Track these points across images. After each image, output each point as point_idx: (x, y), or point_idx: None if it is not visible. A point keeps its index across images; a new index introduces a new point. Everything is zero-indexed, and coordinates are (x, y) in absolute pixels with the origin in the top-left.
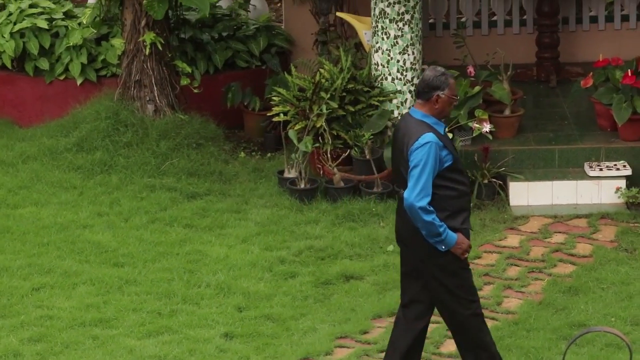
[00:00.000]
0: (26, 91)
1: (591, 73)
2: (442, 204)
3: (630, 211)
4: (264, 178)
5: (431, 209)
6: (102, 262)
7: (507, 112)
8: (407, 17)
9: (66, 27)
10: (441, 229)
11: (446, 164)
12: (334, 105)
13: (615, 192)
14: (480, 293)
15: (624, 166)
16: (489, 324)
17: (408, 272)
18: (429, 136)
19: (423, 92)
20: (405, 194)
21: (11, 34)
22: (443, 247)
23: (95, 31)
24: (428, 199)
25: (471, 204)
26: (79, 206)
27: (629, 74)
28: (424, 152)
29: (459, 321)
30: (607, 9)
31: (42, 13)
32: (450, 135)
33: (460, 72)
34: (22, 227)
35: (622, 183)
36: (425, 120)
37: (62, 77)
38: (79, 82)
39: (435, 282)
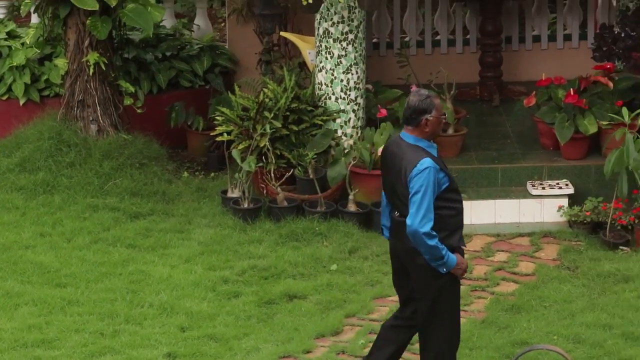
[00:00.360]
0: None
1: (534, 92)
2: (441, 224)
3: (573, 229)
4: (207, 198)
5: (434, 233)
6: (44, 283)
7: (450, 131)
8: (350, 36)
9: (9, 47)
10: (443, 252)
11: (444, 186)
12: (278, 124)
13: (558, 211)
14: None
15: (567, 185)
16: None
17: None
18: (427, 161)
19: (411, 118)
20: (408, 220)
21: None
22: (444, 270)
23: (39, 51)
24: (431, 223)
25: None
26: (21, 227)
27: (572, 93)
28: (424, 177)
29: (434, 343)
30: (550, 28)
31: None
32: None
33: (404, 92)
34: None
35: (565, 202)
36: (419, 144)
37: (4, 97)
38: (22, 102)
39: (431, 303)
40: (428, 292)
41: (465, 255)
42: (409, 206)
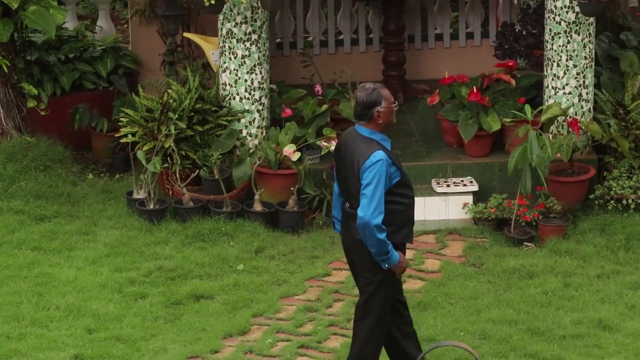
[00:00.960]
0: None
1: (437, 90)
2: (390, 218)
3: (478, 226)
4: (112, 199)
5: (384, 227)
6: None
7: None
8: (254, 36)
9: None
10: (389, 247)
11: (395, 180)
12: (182, 125)
13: (463, 208)
14: (330, 310)
15: (471, 182)
16: (340, 340)
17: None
18: (379, 154)
19: (362, 114)
20: (360, 212)
21: None
22: (386, 266)
23: None
24: (382, 216)
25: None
26: None
27: (475, 90)
28: (376, 170)
29: (363, 334)
30: (452, 27)
31: None
32: (298, 154)
33: (308, 91)
34: None
35: (469, 199)
36: (373, 137)
37: None
38: None
39: (368, 296)
40: (368, 286)
41: None
42: (360, 198)
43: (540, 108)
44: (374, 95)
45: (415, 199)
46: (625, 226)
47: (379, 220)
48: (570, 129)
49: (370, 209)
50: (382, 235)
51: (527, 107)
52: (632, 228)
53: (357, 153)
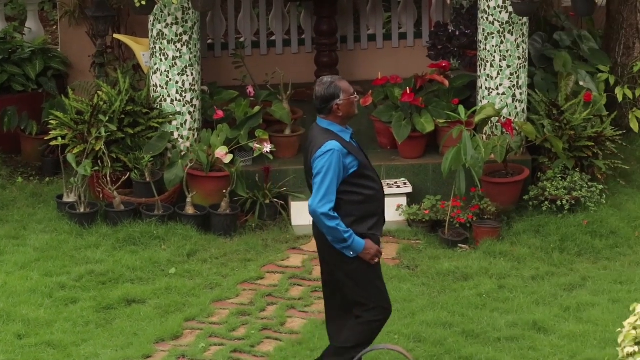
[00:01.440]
0: None
1: (370, 91)
2: (347, 210)
3: (412, 228)
4: (42, 203)
5: (334, 214)
6: None
7: (287, 131)
8: (185, 38)
9: None
10: (346, 235)
11: (351, 170)
12: (113, 128)
13: (397, 210)
14: (263, 314)
15: (405, 184)
16: (273, 344)
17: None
18: (331, 144)
19: (322, 107)
20: (309, 201)
21: None
22: (351, 253)
23: None
24: (331, 205)
25: (384, 209)
26: None
27: (408, 91)
28: (326, 159)
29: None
30: (385, 27)
31: None
32: (231, 157)
33: (240, 93)
34: None
35: (403, 200)
36: (331, 128)
37: None
38: None
39: (344, 287)
40: (340, 277)
41: (304, 257)
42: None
43: (474, 109)
44: (332, 88)
45: None
46: (560, 227)
47: (325, 208)
48: (504, 130)
49: (317, 197)
50: (333, 223)
51: (461, 108)
52: (566, 229)
53: (312, 144)
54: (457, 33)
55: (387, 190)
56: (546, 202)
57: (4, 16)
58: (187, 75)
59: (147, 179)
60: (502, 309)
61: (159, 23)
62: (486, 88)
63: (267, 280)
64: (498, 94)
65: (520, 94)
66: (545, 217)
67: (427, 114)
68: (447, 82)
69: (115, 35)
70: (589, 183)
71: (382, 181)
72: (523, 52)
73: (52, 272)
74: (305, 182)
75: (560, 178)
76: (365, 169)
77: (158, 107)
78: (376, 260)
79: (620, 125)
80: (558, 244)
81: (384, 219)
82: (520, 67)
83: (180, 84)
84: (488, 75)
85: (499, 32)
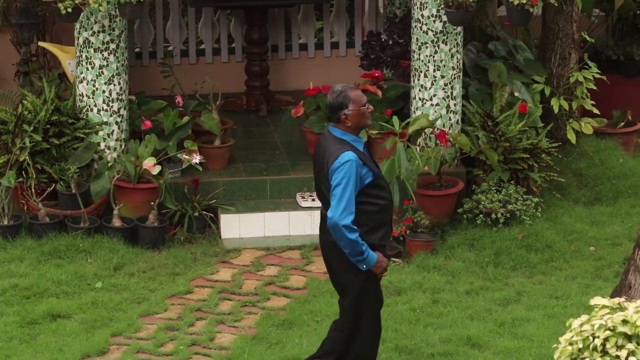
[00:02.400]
0: None
1: (302, 102)
2: (362, 220)
3: None
4: None
5: (355, 227)
6: None
7: (217, 142)
8: (112, 46)
9: None
10: (364, 248)
11: (367, 181)
12: (38, 138)
13: None
14: (192, 329)
15: None
16: None
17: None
18: (348, 154)
19: (332, 116)
20: (329, 213)
21: None
22: (364, 267)
23: None
24: (352, 217)
25: (392, 219)
26: None
27: None
28: (345, 170)
29: (355, 343)
30: (317, 36)
31: None
32: (159, 168)
33: (169, 102)
34: None
35: None
36: (345, 138)
37: None
38: None
39: (354, 302)
40: (350, 287)
41: (234, 270)
42: (330, 199)
43: (408, 120)
44: (340, 98)
45: (279, 214)
46: (495, 241)
47: (347, 220)
48: (438, 141)
49: (339, 209)
50: (353, 236)
51: (395, 119)
52: (501, 243)
53: (327, 153)
54: (391, 42)
55: (318, 203)
56: (481, 215)
57: None
58: (114, 85)
59: (73, 191)
60: (435, 324)
61: (85, 31)
62: (420, 99)
63: (196, 294)
64: (432, 104)
65: (455, 104)
66: (479, 230)
67: None
68: (380, 93)
69: (40, 43)
70: (524, 196)
71: (313, 193)
72: (457, 62)
73: None
74: (318, 189)
75: (495, 191)
76: (379, 179)
77: (84, 117)
78: (385, 274)
79: (555, 137)
80: (493, 258)
81: (392, 228)
82: (454, 78)
83: (107, 94)
84: (422, 86)
85: (432, 41)
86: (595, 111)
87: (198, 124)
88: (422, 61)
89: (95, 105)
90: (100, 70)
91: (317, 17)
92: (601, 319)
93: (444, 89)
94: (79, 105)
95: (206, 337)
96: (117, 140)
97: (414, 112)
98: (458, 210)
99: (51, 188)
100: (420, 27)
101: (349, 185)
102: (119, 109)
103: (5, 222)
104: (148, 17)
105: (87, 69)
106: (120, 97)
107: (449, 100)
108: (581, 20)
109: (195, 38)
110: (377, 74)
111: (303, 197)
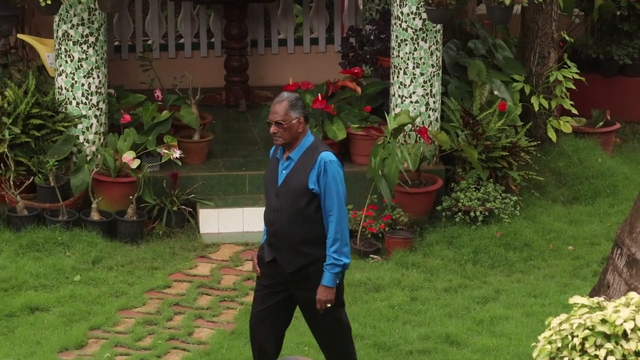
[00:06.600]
0: None
1: None
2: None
3: None
4: None
5: None
6: None
7: (196, 137)
8: (91, 39)
9: None
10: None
11: None
12: (17, 130)
13: None
14: (170, 323)
15: None
16: (180, 354)
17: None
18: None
19: None
20: None
21: None
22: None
23: None
24: None
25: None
26: None
27: (320, 98)
28: None
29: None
30: (296, 32)
31: None
32: (138, 162)
33: (148, 96)
34: None
35: None
36: None
37: None
38: None
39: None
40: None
41: (213, 265)
42: None
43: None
44: None
45: (258, 209)
46: (473, 239)
47: None
48: (419, 138)
49: None
50: None
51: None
52: (479, 241)
53: None
54: (371, 38)
55: None
56: (459, 213)
57: None
58: (93, 78)
59: (52, 184)
60: (414, 322)
61: (65, 24)
62: (399, 96)
63: (174, 289)
64: (411, 102)
65: (434, 102)
66: (458, 228)
67: (339, 121)
68: (359, 89)
69: (19, 35)
70: (502, 194)
71: None
72: (437, 59)
73: None
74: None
75: (473, 189)
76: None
77: (63, 110)
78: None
79: (535, 136)
80: (471, 256)
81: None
82: (433, 75)
83: (86, 87)
84: (401, 83)
85: (412, 39)
86: (574, 111)
87: (177, 119)
88: (402, 58)
89: (74, 99)
90: (79, 64)
91: (297, 12)
92: (580, 318)
93: (423, 86)
94: (58, 98)
95: (184, 331)
96: (96, 133)
97: (394, 109)
98: (437, 208)
99: (29, 181)
100: (400, 25)
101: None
102: (98, 102)
103: None
104: (127, 11)
105: (66, 61)
106: (99, 91)
107: (428, 98)
108: (560, 19)
109: (174, 32)
110: (356, 71)
111: None
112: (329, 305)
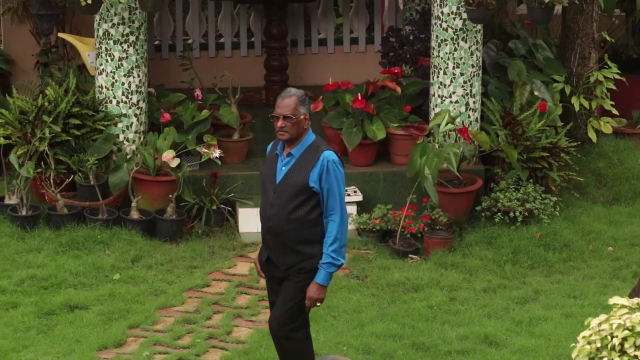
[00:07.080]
0: None
1: (321, 97)
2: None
3: (362, 237)
4: None
5: None
6: None
7: (235, 136)
8: (132, 38)
9: None
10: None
11: None
12: (57, 129)
13: None
14: (209, 322)
15: (355, 192)
16: (219, 353)
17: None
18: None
19: None
20: None
21: None
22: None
23: None
24: None
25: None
26: None
27: (359, 97)
28: None
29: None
30: (337, 32)
31: None
32: (178, 161)
33: (188, 96)
34: None
35: (353, 209)
36: None
37: None
38: None
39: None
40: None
41: (252, 264)
42: None
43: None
44: None
45: None
46: (512, 239)
47: None
48: (460, 137)
49: None
50: None
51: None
52: (519, 241)
53: None
54: (411, 38)
55: None
56: (499, 214)
57: None
58: (134, 77)
59: (92, 182)
60: (453, 322)
61: (105, 23)
62: (439, 96)
63: (213, 288)
64: (451, 102)
65: (474, 102)
66: (497, 228)
67: (379, 121)
68: (399, 89)
69: (60, 34)
70: (542, 195)
71: None
72: (477, 59)
73: None
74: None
75: (513, 189)
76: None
77: (104, 108)
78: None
79: (575, 137)
80: (510, 257)
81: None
82: (473, 75)
83: (126, 86)
84: (441, 83)
85: (452, 39)
86: (615, 111)
87: (217, 118)
88: (442, 58)
89: (114, 97)
90: (119, 63)
91: (337, 12)
92: (620, 318)
93: (463, 86)
94: (98, 97)
95: (223, 330)
96: (135, 132)
97: (433, 109)
98: (476, 208)
99: (70, 179)
100: (440, 25)
101: None
102: (138, 101)
103: (24, 213)
104: (168, 10)
105: (107, 60)
106: (139, 90)
107: (468, 98)
108: (601, 20)
109: (214, 31)
110: (396, 71)
111: None
112: (318, 304)
